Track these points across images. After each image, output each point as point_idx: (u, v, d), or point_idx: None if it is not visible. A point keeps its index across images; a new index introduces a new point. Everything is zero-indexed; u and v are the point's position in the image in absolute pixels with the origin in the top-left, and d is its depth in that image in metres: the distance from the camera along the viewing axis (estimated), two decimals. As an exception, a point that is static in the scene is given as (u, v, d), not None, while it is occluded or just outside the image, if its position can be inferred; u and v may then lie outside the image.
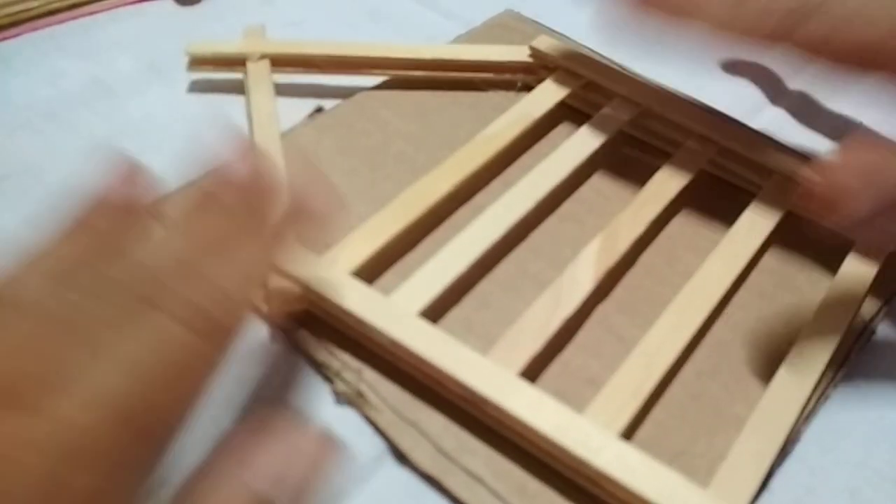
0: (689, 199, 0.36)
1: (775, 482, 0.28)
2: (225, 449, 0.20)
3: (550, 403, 0.26)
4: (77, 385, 0.18)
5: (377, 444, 0.28)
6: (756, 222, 0.34)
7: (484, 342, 0.29)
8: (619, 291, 0.33)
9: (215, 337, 0.20)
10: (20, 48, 0.42)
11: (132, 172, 0.23)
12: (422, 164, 0.36)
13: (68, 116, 0.38)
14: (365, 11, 0.47)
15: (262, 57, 0.40)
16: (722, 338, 0.32)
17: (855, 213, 0.26)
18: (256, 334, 0.30)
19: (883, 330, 0.33)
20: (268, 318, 0.30)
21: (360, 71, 0.41)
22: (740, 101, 0.42)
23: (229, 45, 0.40)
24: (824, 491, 0.28)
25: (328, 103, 0.40)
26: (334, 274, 0.29)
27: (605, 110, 0.38)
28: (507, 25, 0.46)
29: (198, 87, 0.41)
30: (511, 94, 0.41)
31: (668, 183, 0.35)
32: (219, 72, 0.40)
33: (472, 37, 0.44)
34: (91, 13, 0.45)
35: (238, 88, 0.40)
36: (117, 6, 0.45)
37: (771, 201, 0.34)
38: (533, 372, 0.29)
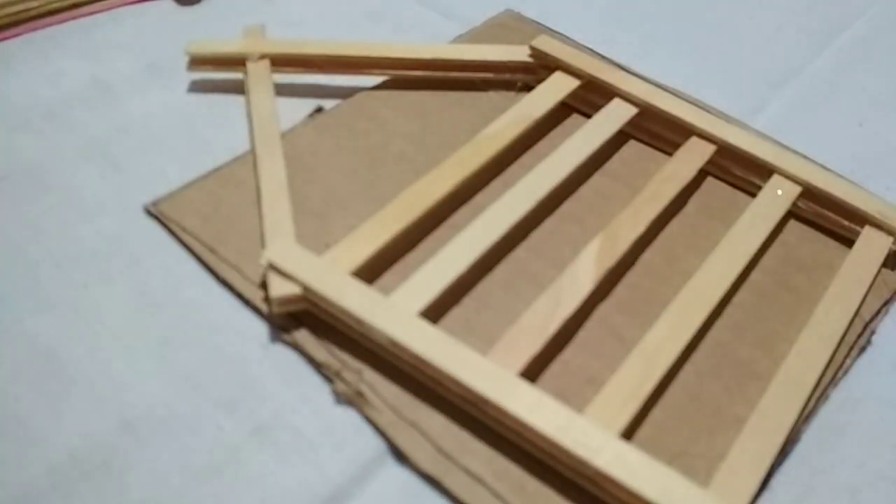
0: (689, 199, 0.36)
1: (775, 482, 0.28)
2: None
3: (550, 403, 0.26)
4: None
5: (377, 444, 0.28)
6: (756, 222, 0.34)
7: (484, 342, 0.29)
8: (619, 291, 0.33)
9: None
10: (20, 48, 0.42)
11: None
12: (422, 164, 0.36)
13: (68, 116, 0.38)
14: (365, 11, 0.47)
15: (262, 57, 0.40)
16: (722, 338, 0.32)
17: None
18: (256, 334, 0.30)
19: (883, 330, 0.33)
20: (268, 318, 0.30)
21: (359, 71, 0.41)
22: (740, 101, 0.42)
23: (229, 44, 0.40)
24: (824, 491, 0.28)
25: (328, 103, 0.40)
26: (334, 274, 0.29)
27: (605, 110, 0.38)
28: (507, 25, 0.46)
29: (198, 87, 0.41)
30: (511, 94, 0.41)
31: (668, 183, 0.35)
32: (219, 72, 0.40)
33: (472, 37, 0.44)
34: (91, 13, 0.45)
35: (238, 88, 0.40)
36: (117, 6, 0.45)
37: (771, 201, 0.35)
38: (533, 372, 0.29)
